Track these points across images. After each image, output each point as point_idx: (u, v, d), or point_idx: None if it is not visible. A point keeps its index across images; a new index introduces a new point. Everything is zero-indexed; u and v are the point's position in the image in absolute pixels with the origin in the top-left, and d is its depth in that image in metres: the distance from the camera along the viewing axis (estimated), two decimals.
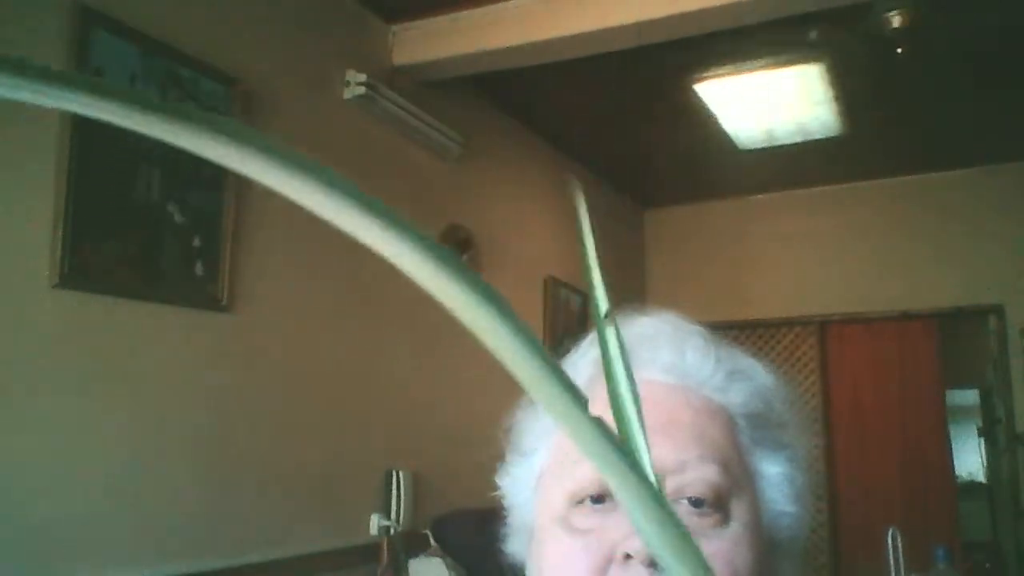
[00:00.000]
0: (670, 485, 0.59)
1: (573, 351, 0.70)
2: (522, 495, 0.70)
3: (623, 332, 0.23)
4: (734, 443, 0.64)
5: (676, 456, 0.59)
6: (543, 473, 0.68)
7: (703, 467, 0.60)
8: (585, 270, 0.24)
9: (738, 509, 0.61)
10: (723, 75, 3.59)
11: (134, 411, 2.09)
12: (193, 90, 2.30)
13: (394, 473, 2.91)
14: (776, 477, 0.65)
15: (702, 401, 0.64)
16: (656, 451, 0.58)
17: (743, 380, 0.66)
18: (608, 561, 0.58)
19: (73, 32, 1.99)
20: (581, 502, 0.62)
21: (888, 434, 4.80)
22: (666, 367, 0.64)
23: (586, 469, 0.61)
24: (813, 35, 3.21)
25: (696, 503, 0.59)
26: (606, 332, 0.23)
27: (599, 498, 0.61)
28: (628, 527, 0.57)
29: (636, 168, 4.81)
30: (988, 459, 5.81)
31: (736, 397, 0.65)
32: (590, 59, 3.13)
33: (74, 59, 1.98)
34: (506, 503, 0.72)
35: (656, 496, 0.19)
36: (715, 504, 0.60)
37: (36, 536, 1.84)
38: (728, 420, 0.64)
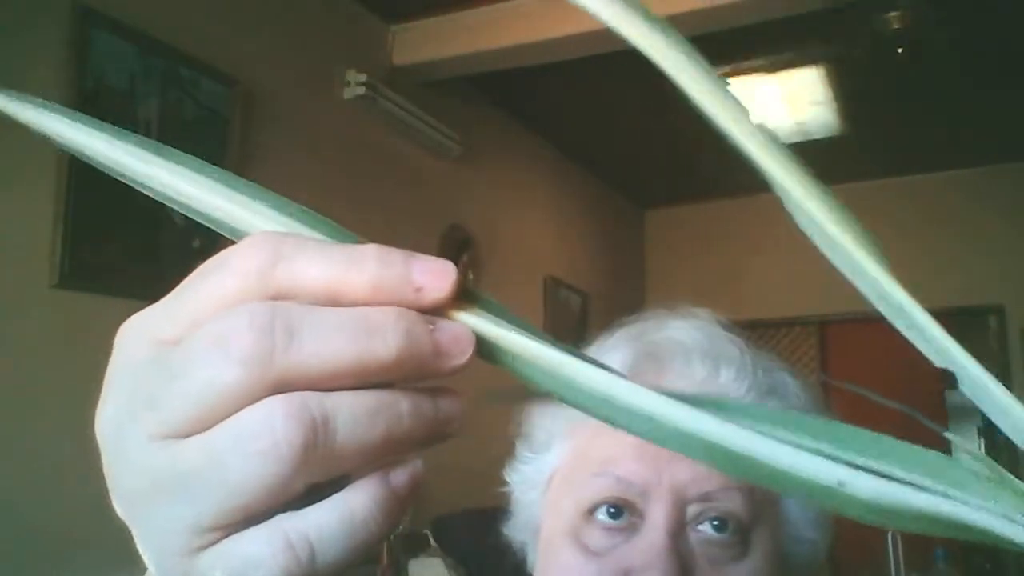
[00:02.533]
0: (691, 512, 0.58)
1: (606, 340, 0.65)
2: (530, 494, 0.68)
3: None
4: None
5: (699, 487, 0.58)
6: (555, 475, 0.66)
7: (727, 497, 0.58)
8: None
9: (759, 539, 0.59)
10: (723, 75, 3.58)
11: None
12: (193, 90, 2.30)
13: None
14: (800, 501, 0.63)
15: None
16: (679, 478, 0.58)
17: (777, 399, 0.63)
18: None
19: (73, 32, 1.98)
20: (593, 512, 0.60)
21: (888, 434, 4.79)
22: (697, 383, 0.61)
23: (603, 482, 0.59)
24: (813, 37, 3.21)
25: (719, 527, 0.58)
26: None
27: (616, 511, 0.59)
28: (647, 553, 0.56)
29: (636, 168, 4.81)
30: None
31: None
32: (590, 59, 3.13)
33: (74, 59, 1.98)
34: (512, 498, 0.70)
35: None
36: (737, 531, 0.58)
37: (35, 536, 1.84)
38: None
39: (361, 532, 0.22)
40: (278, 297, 0.22)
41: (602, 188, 4.94)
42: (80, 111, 0.25)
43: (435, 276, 0.23)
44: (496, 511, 0.72)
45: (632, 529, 0.59)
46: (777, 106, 3.87)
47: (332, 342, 0.22)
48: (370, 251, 0.23)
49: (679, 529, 0.57)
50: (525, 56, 3.13)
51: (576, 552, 0.60)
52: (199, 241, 2.27)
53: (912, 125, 4.20)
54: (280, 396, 0.21)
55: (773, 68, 3.52)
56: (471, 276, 3.50)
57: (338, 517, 0.22)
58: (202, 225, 0.24)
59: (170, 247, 2.20)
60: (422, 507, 3.00)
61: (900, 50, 3.03)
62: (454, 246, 3.47)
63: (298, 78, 2.75)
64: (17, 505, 1.82)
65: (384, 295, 0.22)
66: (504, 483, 0.71)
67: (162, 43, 2.21)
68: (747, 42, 3.25)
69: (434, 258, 0.23)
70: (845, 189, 4.99)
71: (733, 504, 0.58)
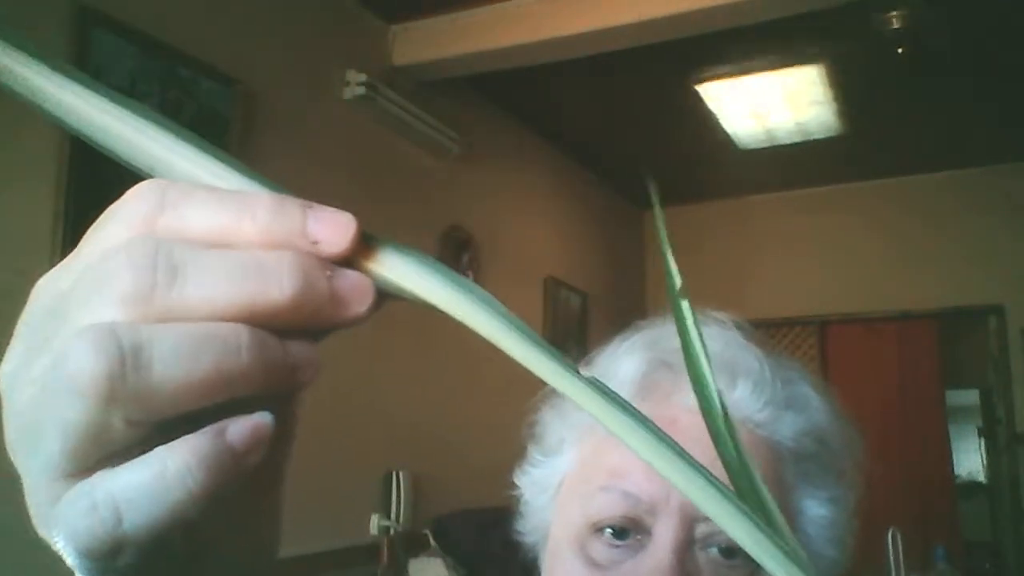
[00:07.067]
0: (700, 531, 0.56)
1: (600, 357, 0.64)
2: (540, 497, 0.66)
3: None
4: (776, 480, 0.59)
5: None
6: (565, 480, 0.64)
7: None
8: (662, 247, 0.26)
9: None
10: (723, 75, 3.59)
11: None
12: (193, 90, 2.30)
13: (394, 473, 2.91)
14: (819, 519, 0.61)
15: (745, 437, 0.58)
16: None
17: (795, 412, 0.61)
18: None
19: (73, 32, 1.98)
20: (600, 531, 0.59)
21: (888, 434, 4.80)
22: None
23: (610, 498, 0.58)
24: (813, 38, 3.21)
25: (727, 553, 0.56)
26: (682, 308, 0.25)
27: (621, 532, 0.58)
28: (653, 573, 0.55)
29: (636, 168, 4.81)
30: (988, 459, 5.81)
31: (786, 431, 0.60)
32: (590, 59, 3.13)
33: (74, 59, 1.97)
34: (523, 500, 0.69)
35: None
36: (746, 555, 0.56)
37: (38, 534, 1.84)
38: (772, 454, 0.59)
39: (176, 492, 0.19)
40: None
41: (602, 188, 4.94)
42: None
43: (333, 229, 0.21)
44: (496, 511, 0.71)
45: (638, 546, 0.57)
46: (777, 106, 3.87)
47: (221, 282, 0.20)
48: (263, 199, 0.21)
49: (686, 548, 0.56)
50: (525, 56, 3.13)
51: (581, 564, 0.59)
52: None
53: (912, 125, 4.20)
54: (92, 327, 0.19)
55: (773, 68, 3.52)
56: (470, 275, 3.50)
57: (149, 475, 0.19)
58: None
59: None
60: (422, 507, 3.00)
61: (900, 50, 3.03)
62: (454, 246, 3.47)
63: (298, 78, 2.75)
64: (18, 503, 1.82)
65: (277, 247, 0.21)
66: (514, 485, 0.69)
67: (162, 43, 2.21)
68: (747, 42, 3.25)
69: (332, 209, 0.22)
70: (845, 189, 5.00)
71: None
